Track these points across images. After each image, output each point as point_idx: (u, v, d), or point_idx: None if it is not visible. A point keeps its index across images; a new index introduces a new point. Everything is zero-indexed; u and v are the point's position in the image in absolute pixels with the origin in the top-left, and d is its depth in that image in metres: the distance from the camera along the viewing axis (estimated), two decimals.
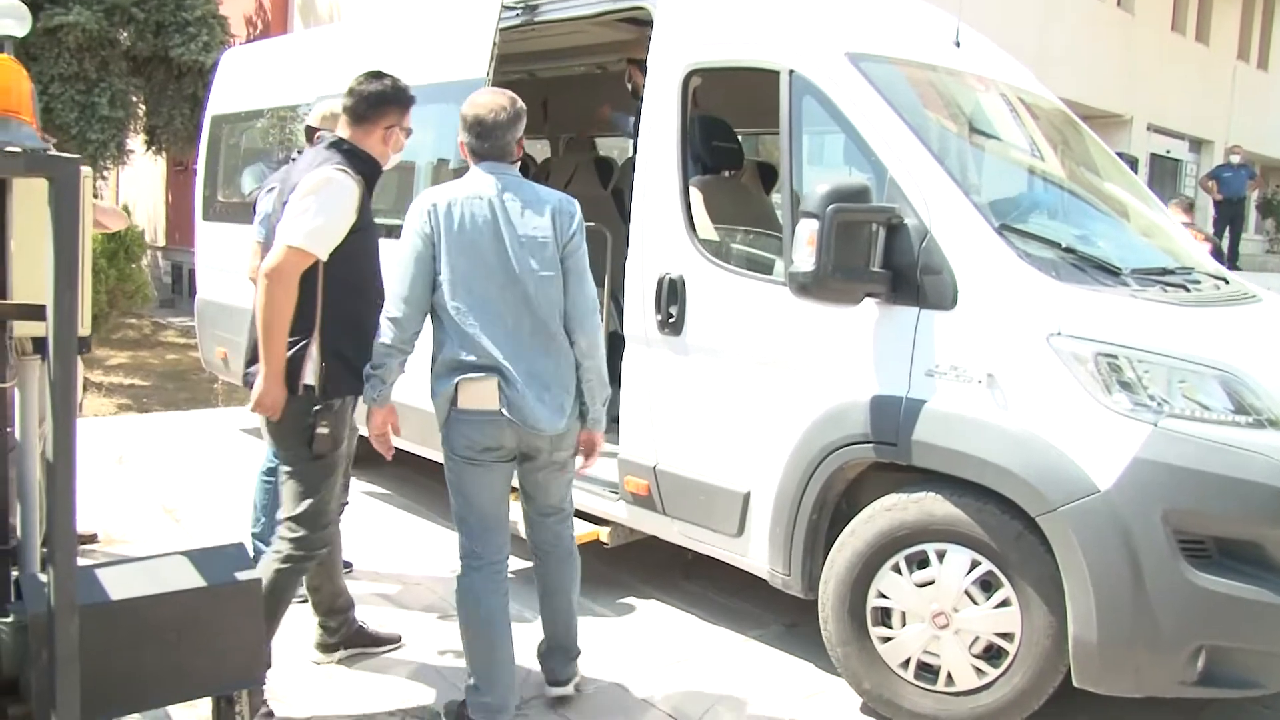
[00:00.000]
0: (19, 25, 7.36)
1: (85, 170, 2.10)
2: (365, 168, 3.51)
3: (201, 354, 7.86)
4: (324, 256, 3.38)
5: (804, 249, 3.49)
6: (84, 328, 2.37)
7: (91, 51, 11.69)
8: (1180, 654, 3.25)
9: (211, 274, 7.44)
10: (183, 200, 14.85)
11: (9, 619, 2.29)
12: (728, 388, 4.14)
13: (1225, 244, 15.60)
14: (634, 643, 4.33)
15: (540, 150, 8.81)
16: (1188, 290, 3.95)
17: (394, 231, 3.67)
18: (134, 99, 12.65)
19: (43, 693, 2.13)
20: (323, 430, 3.45)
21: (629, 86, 6.07)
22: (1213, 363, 3.38)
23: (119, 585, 2.33)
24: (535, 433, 3.39)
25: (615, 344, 4.84)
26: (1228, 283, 4.39)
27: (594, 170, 7.44)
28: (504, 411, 3.33)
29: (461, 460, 3.43)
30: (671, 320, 4.26)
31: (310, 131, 4.60)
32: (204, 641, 2.42)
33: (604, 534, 4.76)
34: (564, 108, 8.08)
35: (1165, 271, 4.07)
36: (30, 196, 2.49)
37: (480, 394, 3.33)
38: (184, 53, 11.88)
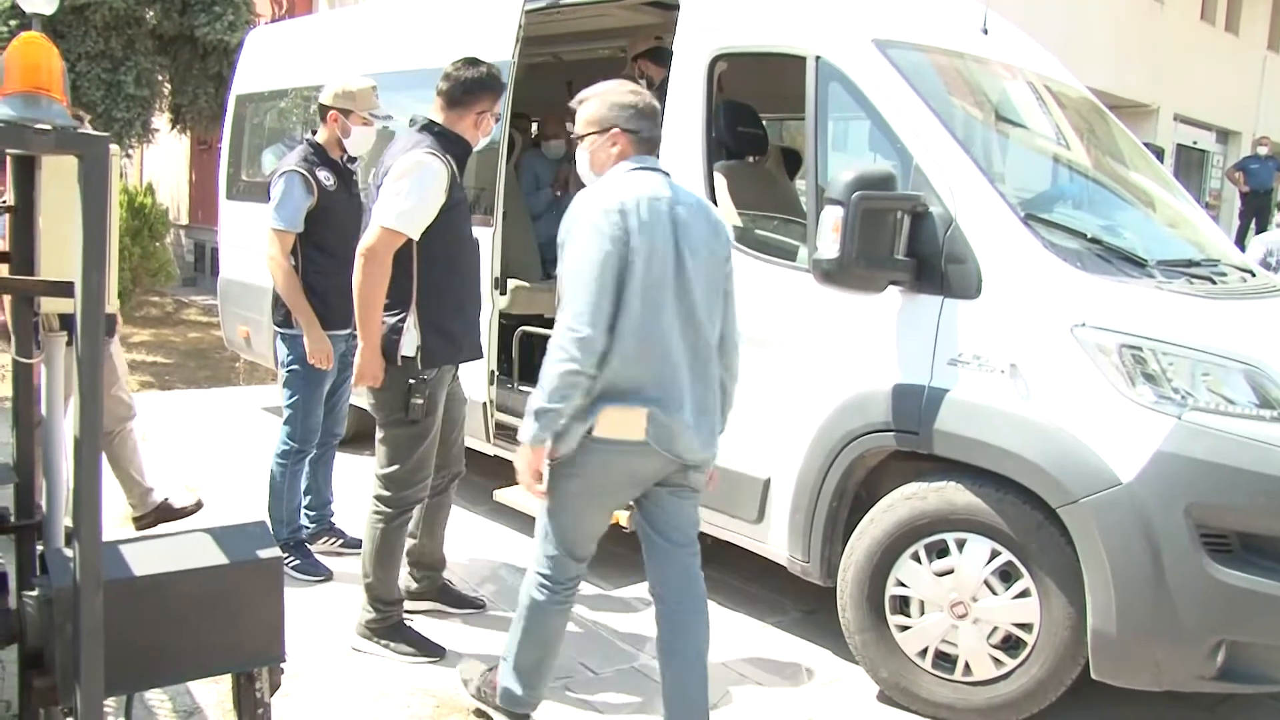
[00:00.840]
0: (48, 3, 7.40)
1: (113, 148, 2.11)
2: (456, 150, 3.73)
3: (224, 332, 7.90)
4: (415, 236, 3.63)
5: (829, 236, 3.48)
6: (110, 305, 2.38)
7: (118, 30, 11.71)
8: (1200, 648, 3.23)
9: (234, 253, 7.47)
10: (206, 179, 14.89)
11: (35, 593, 2.31)
12: (749, 374, 4.11)
13: (1251, 236, 15.47)
14: (652, 626, 4.33)
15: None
16: (1213, 282, 3.92)
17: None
18: (160, 77, 12.67)
19: (67, 666, 2.15)
20: (418, 400, 3.73)
21: (641, 82, 6.05)
22: (1237, 356, 3.35)
23: (142, 561, 2.34)
24: (682, 460, 3.07)
25: None
26: (1254, 275, 4.35)
27: None
28: (650, 441, 2.99)
29: (580, 490, 3.11)
30: None
31: (324, 110, 4.58)
32: (226, 618, 2.43)
33: (623, 518, 4.75)
34: None
35: (1191, 263, 4.04)
36: (59, 174, 2.51)
37: (626, 423, 2.97)
38: (209, 32, 11.87)
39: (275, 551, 2.54)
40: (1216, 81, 19.77)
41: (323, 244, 4.54)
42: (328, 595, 4.47)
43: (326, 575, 4.65)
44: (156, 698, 3.43)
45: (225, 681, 3.02)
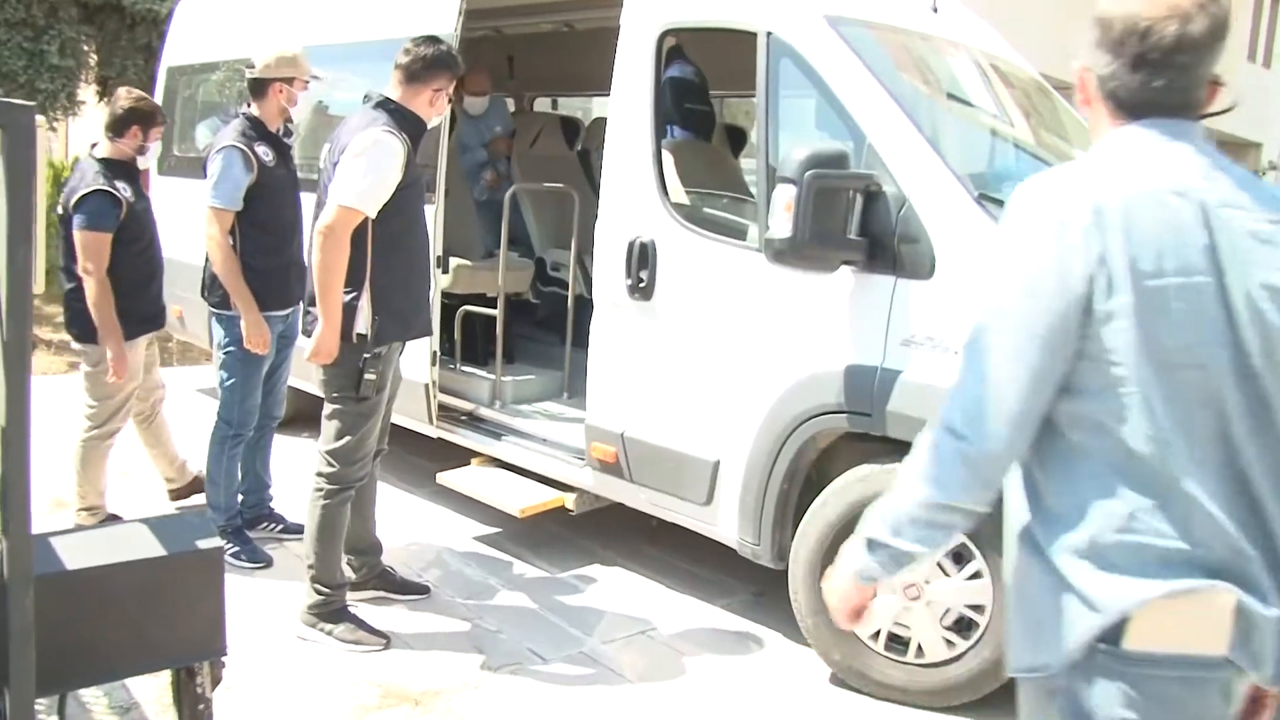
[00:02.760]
0: None
1: (39, 120, 2.00)
2: (411, 127, 3.69)
3: None
4: (373, 214, 3.60)
5: (781, 215, 3.44)
6: (38, 285, 2.27)
7: None
8: None
9: (167, 230, 7.24)
10: None
11: None
12: (698, 354, 4.08)
13: None
14: (599, 610, 4.29)
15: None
16: None
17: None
18: (85, 48, 12.29)
19: None
20: (370, 376, 3.73)
21: None
22: None
23: (77, 554, 2.24)
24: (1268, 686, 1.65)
25: (583, 308, 4.77)
26: None
27: (560, 130, 7.34)
28: (1231, 657, 1.57)
29: None
30: (642, 285, 4.19)
31: (263, 83, 4.40)
32: (165, 612, 2.34)
33: (569, 500, 4.71)
34: (530, 66, 7.95)
35: None
36: None
37: (1192, 621, 1.56)
38: (137, 1, 11.55)
39: (216, 541, 2.45)
40: None
41: (262, 221, 4.41)
42: (269, 583, 4.36)
43: (267, 562, 4.53)
44: (91, 694, 3.31)
45: (165, 675, 2.91)
